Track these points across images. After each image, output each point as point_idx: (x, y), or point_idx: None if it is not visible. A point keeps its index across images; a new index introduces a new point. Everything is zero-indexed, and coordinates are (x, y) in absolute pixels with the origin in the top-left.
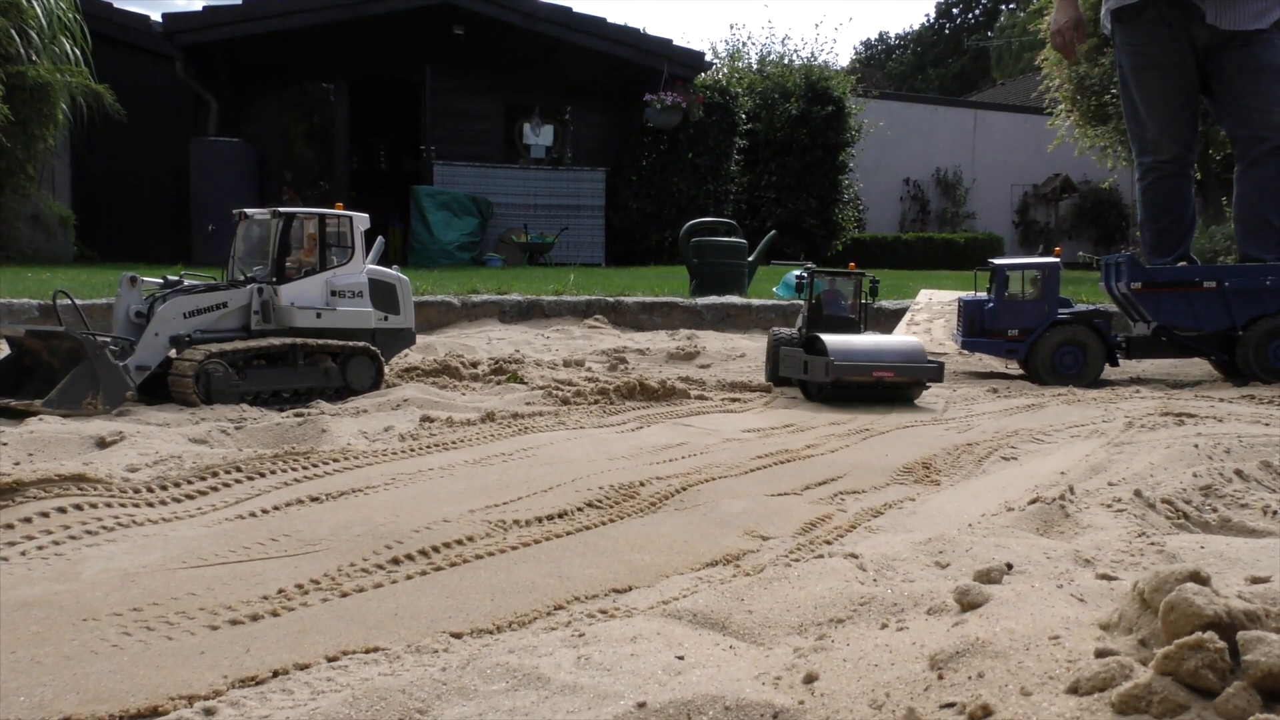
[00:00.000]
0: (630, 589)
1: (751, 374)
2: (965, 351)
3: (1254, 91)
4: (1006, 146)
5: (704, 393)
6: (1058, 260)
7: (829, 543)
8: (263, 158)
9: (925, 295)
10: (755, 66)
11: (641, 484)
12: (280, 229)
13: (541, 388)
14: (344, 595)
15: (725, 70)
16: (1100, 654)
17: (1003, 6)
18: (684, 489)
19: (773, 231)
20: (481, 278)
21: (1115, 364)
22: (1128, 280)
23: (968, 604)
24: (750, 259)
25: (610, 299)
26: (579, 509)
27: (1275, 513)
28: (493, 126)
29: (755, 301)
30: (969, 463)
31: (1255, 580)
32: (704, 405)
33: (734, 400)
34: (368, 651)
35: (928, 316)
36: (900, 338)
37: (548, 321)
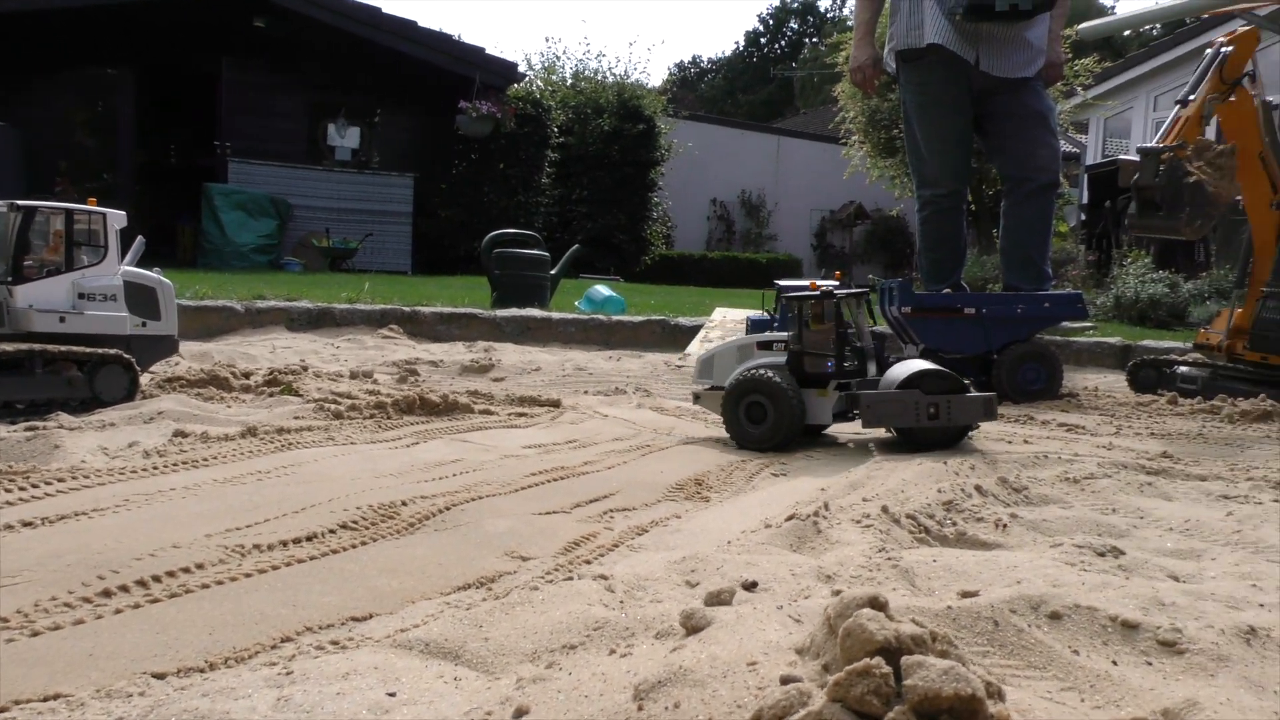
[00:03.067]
0: (370, 617)
1: (544, 388)
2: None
3: (1020, 135)
4: (807, 172)
5: (490, 407)
6: (837, 284)
7: (589, 562)
8: (32, 145)
9: (720, 313)
10: (569, 81)
11: (404, 503)
12: (19, 223)
13: (317, 400)
14: (34, 635)
15: (539, 82)
16: (785, 681)
17: (806, 40)
18: (448, 508)
19: (576, 245)
20: (273, 283)
21: None
22: (899, 304)
23: (691, 627)
24: (553, 272)
25: (407, 308)
26: (331, 531)
27: (1005, 525)
28: (295, 125)
29: (556, 315)
30: (741, 479)
31: (965, 595)
32: (488, 420)
33: (520, 415)
34: (45, 700)
35: (721, 334)
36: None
37: (339, 330)
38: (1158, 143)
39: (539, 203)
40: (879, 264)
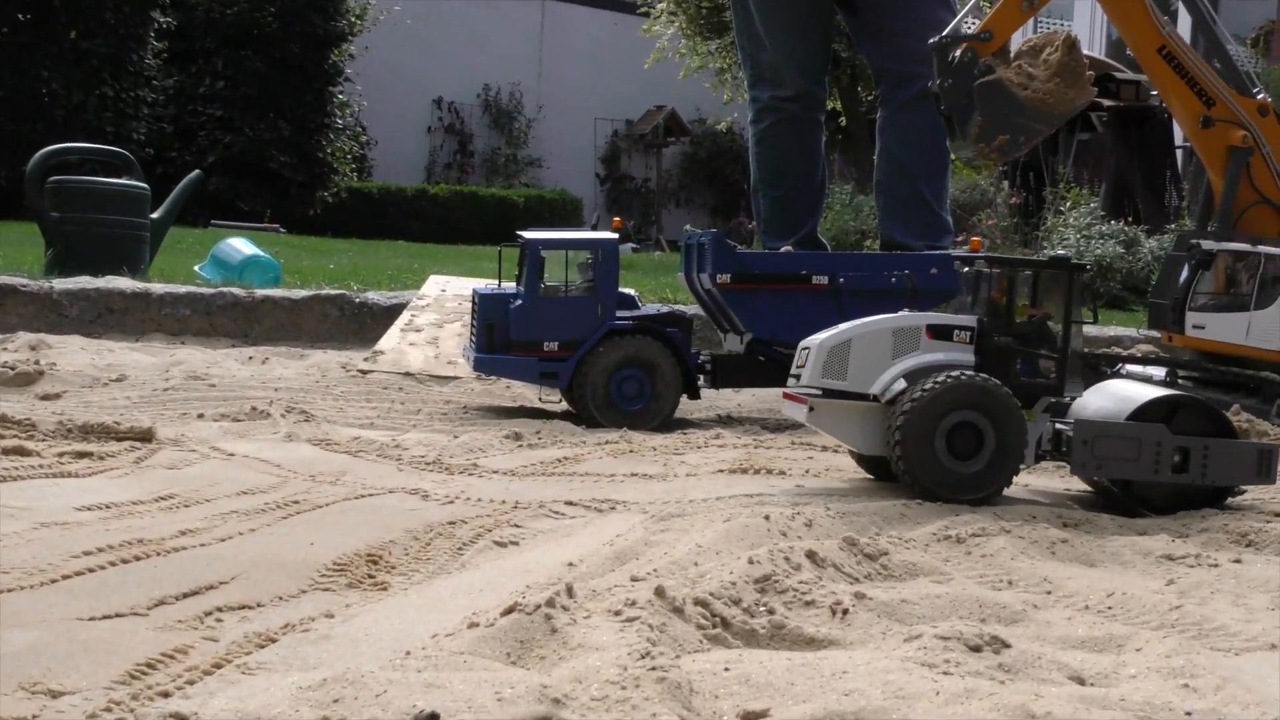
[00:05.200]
0: None
1: (129, 410)
2: (482, 374)
3: (903, 13)
4: (589, 60)
5: (27, 443)
6: (615, 236)
7: (166, 695)
8: None
9: (436, 285)
10: None
11: None
12: None
13: None
14: None
15: None
16: None
17: None
18: None
19: (197, 172)
20: None
21: (695, 395)
22: (712, 270)
23: None
24: (156, 216)
25: None
26: None
27: (845, 611)
28: None
29: (160, 288)
30: (444, 552)
31: (747, 715)
32: (20, 465)
33: (82, 456)
34: None
35: (436, 318)
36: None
37: None
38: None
39: (139, 100)
40: (702, 208)
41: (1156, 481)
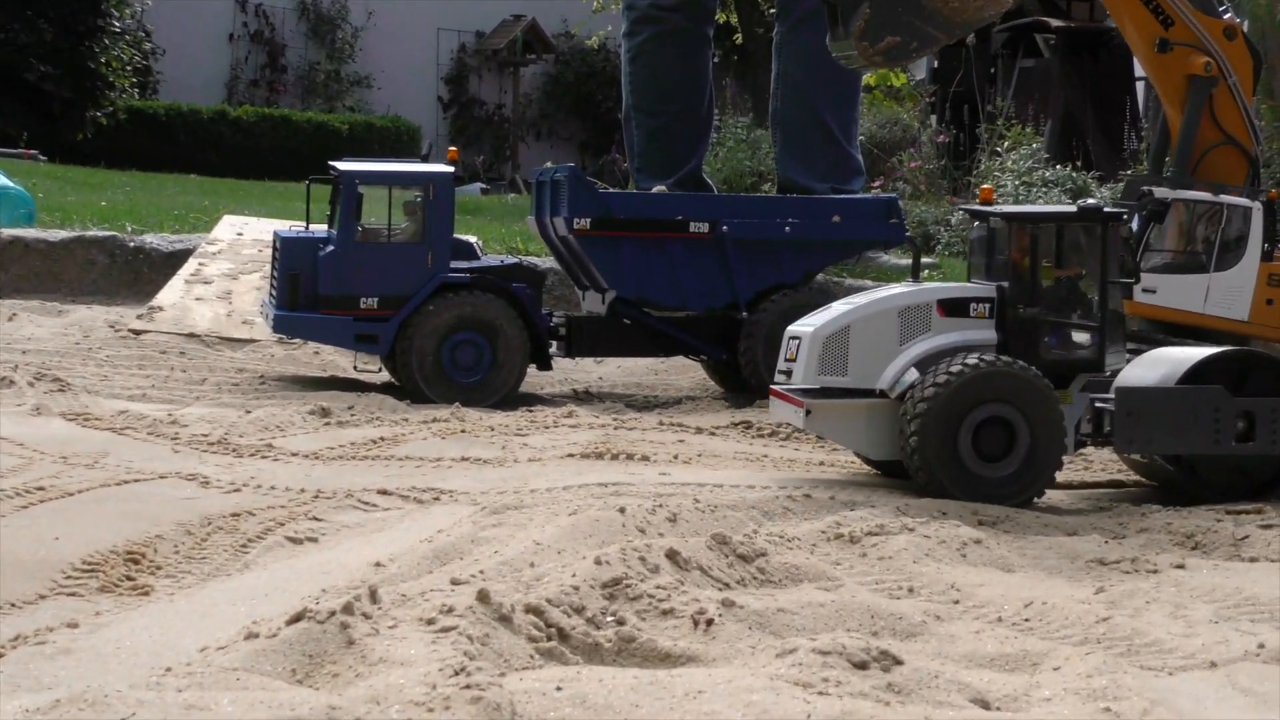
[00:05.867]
0: None
1: None
2: (284, 336)
3: None
4: None
5: None
6: (451, 170)
7: None
8: None
9: (230, 227)
10: None
11: None
12: None
13: None
14: None
15: None
16: None
17: None
18: None
19: None
20: None
21: (547, 365)
22: (569, 214)
23: None
24: None
25: None
26: None
27: (710, 621)
28: None
29: None
30: (223, 549)
31: None
32: None
33: None
34: None
35: (230, 268)
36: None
37: None
38: None
39: None
40: (568, 142)
41: (1219, 454)
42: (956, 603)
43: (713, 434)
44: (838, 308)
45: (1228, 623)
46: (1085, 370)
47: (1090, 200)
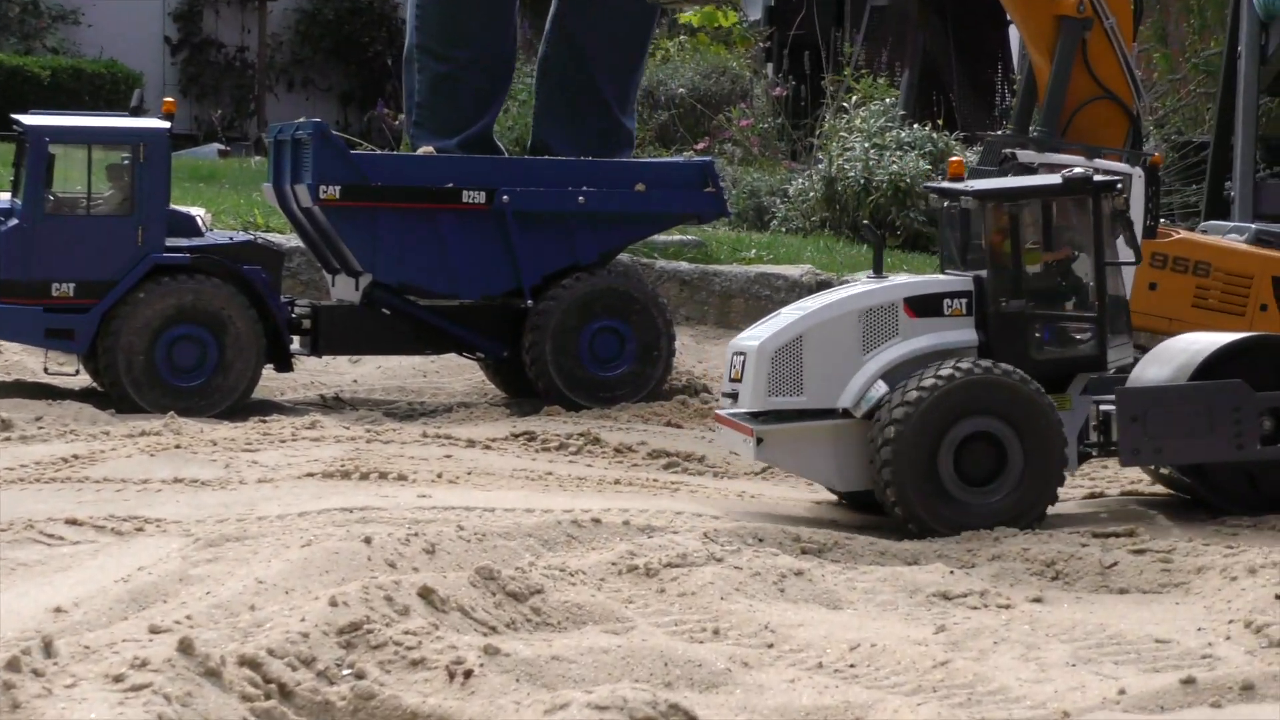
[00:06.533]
0: None
1: None
2: None
3: None
4: None
5: None
6: (166, 126)
7: None
8: None
9: None
10: None
11: None
12: None
13: None
14: None
15: None
16: None
17: None
18: None
19: None
20: None
21: (287, 366)
22: (315, 180)
23: None
24: None
25: None
26: None
27: (470, 672)
28: None
29: None
30: None
31: None
32: None
33: None
34: None
35: None
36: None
37: None
38: None
39: None
40: (327, 93)
41: (1243, 459)
42: (770, 646)
43: (487, 448)
44: (787, 314)
45: (1087, 665)
46: (1085, 369)
47: (1076, 169)
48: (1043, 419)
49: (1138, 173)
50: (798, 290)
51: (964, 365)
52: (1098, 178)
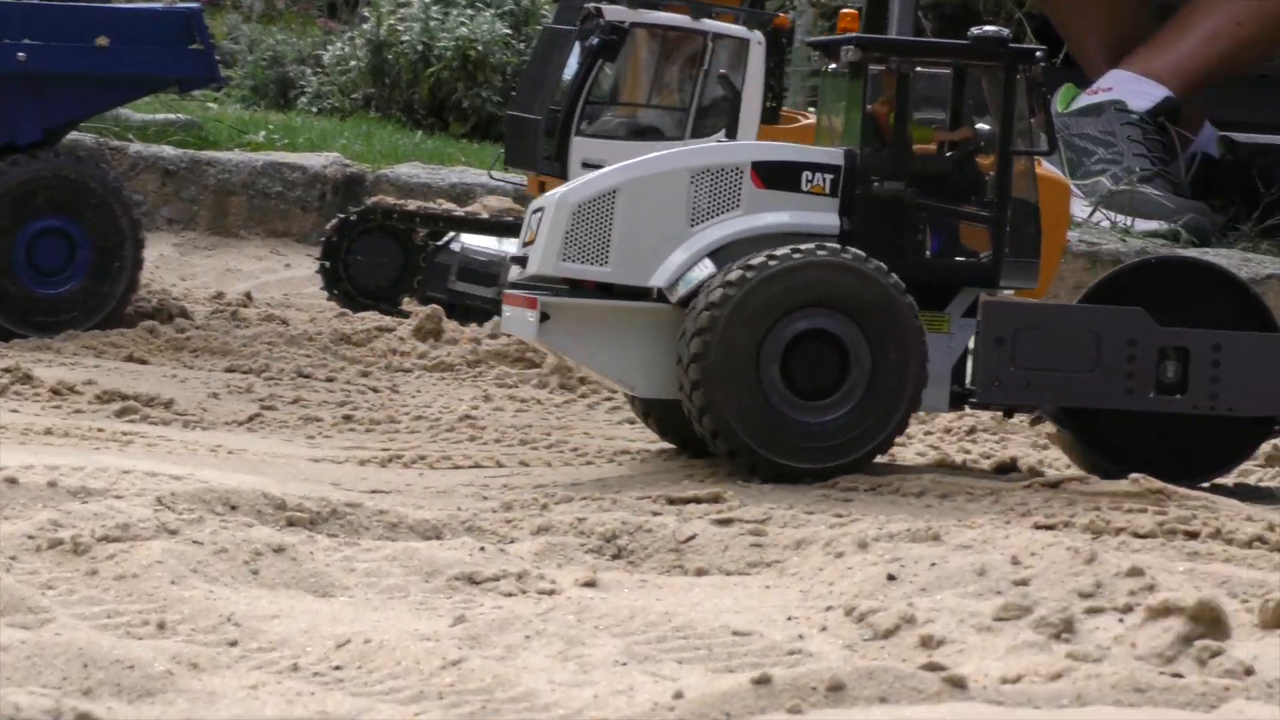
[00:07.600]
0: None
1: None
2: None
3: None
4: None
5: None
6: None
7: None
8: None
9: None
10: None
11: None
12: None
13: None
14: None
15: None
16: None
17: None
18: None
19: None
20: None
21: None
22: None
23: None
24: None
25: None
26: None
27: None
28: None
29: None
30: None
31: None
32: None
33: None
34: None
35: None
36: None
37: None
38: None
39: None
40: None
41: (1140, 410)
42: (233, 644)
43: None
44: (605, 169)
45: (641, 664)
46: (972, 283)
47: (986, 27)
48: (899, 320)
49: (757, 38)
50: (319, 185)
51: (809, 247)
52: (1017, 45)
